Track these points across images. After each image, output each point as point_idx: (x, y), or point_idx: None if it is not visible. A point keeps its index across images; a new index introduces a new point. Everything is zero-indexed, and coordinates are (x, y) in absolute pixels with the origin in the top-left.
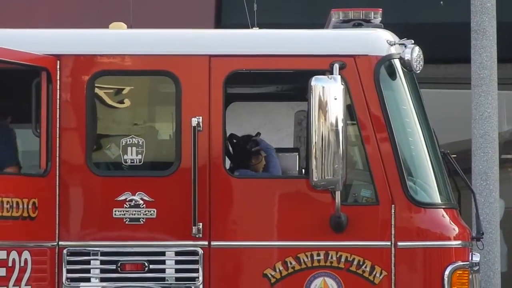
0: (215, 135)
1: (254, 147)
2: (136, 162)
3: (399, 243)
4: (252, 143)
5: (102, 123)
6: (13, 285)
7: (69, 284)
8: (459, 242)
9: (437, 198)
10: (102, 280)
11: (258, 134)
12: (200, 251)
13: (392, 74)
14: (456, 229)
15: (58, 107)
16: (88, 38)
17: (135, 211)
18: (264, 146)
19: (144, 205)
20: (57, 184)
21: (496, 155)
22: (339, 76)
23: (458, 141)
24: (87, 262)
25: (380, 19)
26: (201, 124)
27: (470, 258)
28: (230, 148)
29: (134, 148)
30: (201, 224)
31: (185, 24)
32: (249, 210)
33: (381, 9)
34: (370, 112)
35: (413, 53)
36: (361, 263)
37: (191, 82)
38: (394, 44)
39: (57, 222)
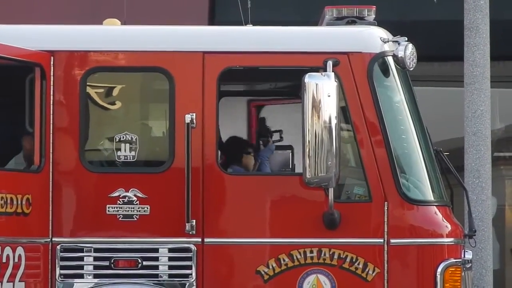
0: (208, 131)
1: (265, 143)
2: (130, 159)
3: (392, 240)
4: (265, 140)
5: (95, 119)
6: (7, 281)
7: (62, 280)
8: (451, 239)
9: (429, 196)
10: (95, 276)
11: (281, 138)
12: (194, 248)
13: (385, 71)
14: (449, 226)
15: (51, 103)
16: (82, 34)
17: (129, 208)
18: (262, 154)
19: (138, 201)
20: (51, 180)
21: (489, 153)
22: (333, 73)
23: (451, 139)
24: (81, 259)
25: (374, 16)
26: (194, 120)
27: (462, 256)
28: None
29: (127, 145)
30: (194, 221)
31: (179, 20)
32: (243, 207)
33: (374, 7)
34: (364, 110)
35: (407, 50)
36: (354, 260)
37: (185, 78)
38: (388, 42)
39: (50, 218)
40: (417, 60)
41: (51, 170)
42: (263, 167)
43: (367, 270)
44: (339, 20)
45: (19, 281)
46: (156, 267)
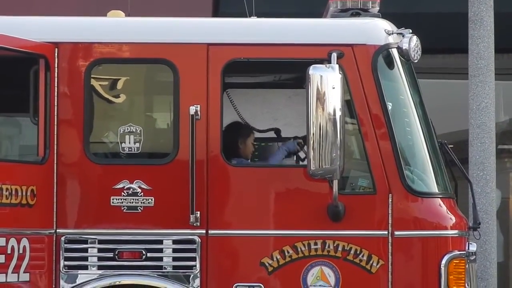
0: (213, 123)
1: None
2: (134, 150)
3: (396, 232)
4: (300, 141)
5: (100, 111)
6: (12, 272)
7: (66, 271)
8: (455, 231)
9: (434, 188)
10: (100, 268)
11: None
12: (198, 239)
13: (390, 63)
14: (453, 218)
15: (56, 95)
16: (86, 26)
17: (133, 199)
18: (287, 146)
19: (142, 193)
20: (55, 172)
21: (493, 145)
22: (337, 65)
23: (455, 131)
24: (85, 250)
25: (378, 8)
26: (199, 112)
27: (466, 248)
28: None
29: (132, 136)
30: (198, 212)
31: (183, 12)
32: (247, 199)
33: None
34: (368, 102)
35: (411, 42)
36: (358, 252)
37: (189, 70)
38: (392, 34)
39: (55, 210)
40: (421, 52)
41: (55, 162)
42: (277, 154)
43: (371, 262)
44: (344, 12)
45: (24, 272)
46: (160, 259)
